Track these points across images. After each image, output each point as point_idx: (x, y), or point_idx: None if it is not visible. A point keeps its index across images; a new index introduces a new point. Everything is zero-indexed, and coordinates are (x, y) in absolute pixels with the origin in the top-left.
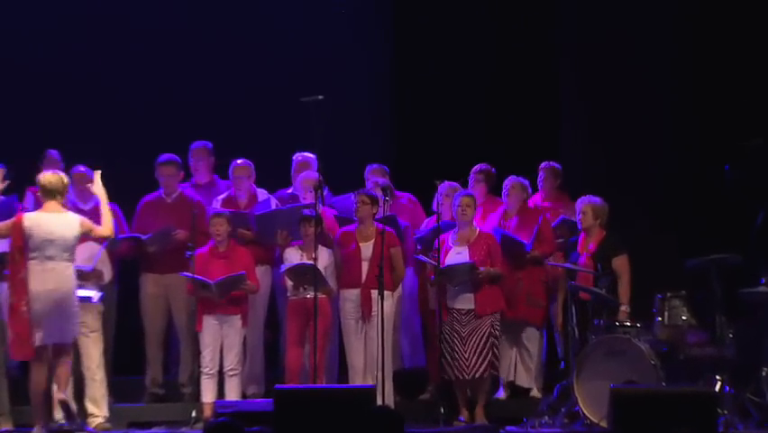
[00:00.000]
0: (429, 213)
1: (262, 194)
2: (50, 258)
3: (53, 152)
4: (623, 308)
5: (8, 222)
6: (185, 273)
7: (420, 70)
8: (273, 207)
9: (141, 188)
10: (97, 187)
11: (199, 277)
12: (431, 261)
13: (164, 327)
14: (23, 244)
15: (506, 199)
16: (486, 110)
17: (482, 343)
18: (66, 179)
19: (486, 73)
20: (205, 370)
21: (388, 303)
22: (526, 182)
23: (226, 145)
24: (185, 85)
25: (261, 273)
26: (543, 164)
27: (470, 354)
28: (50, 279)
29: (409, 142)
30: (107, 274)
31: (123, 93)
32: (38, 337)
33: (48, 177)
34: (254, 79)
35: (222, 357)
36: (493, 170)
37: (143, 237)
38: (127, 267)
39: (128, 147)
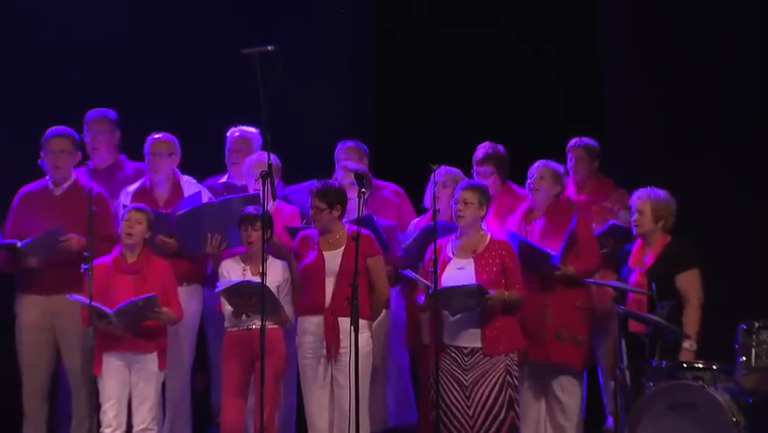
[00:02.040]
0: (421, 210)
1: (189, 183)
2: None
3: None
4: (688, 343)
5: None
6: (75, 296)
7: (409, 10)
8: (204, 201)
9: (18, 175)
10: None
11: (97, 304)
12: (423, 279)
13: (49, 371)
14: None
15: (530, 193)
16: (496, 71)
17: (493, 395)
18: None
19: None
20: (107, 431)
21: (365, 336)
22: (561, 169)
23: (138, 117)
24: (84, 25)
25: (187, 295)
26: (572, 142)
27: (475, 410)
28: None
29: (396, 113)
30: None
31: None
32: None
33: None
34: (177, 25)
35: (130, 413)
36: (502, 149)
37: (20, 244)
38: None
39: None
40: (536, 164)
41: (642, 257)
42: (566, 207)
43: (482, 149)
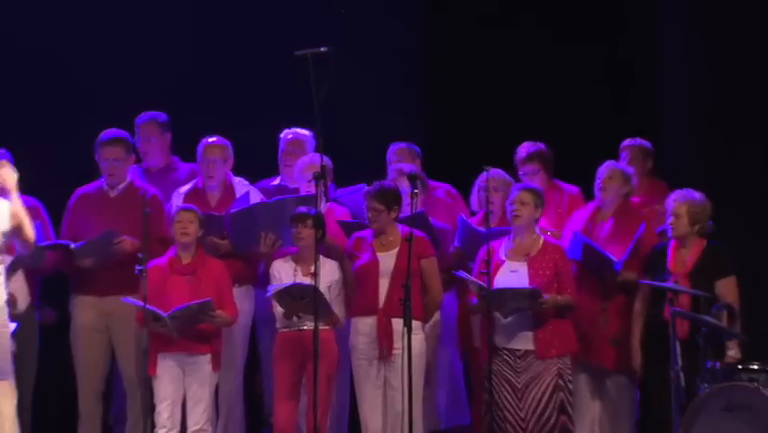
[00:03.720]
0: (474, 211)
1: (241, 185)
2: None
3: None
4: (733, 351)
5: None
6: (128, 299)
7: (464, 9)
8: (253, 201)
9: (73, 176)
10: (6, 174)
11: (151, 307)
12: (477, 280)
13: (104, 372)
14: None
15: (598, 193)
16: (550, 70)
17: (545, 398)
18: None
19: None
20: (162, 432)
21: (418, 338)
22: (630, 171)
23: (192, 118)
24: (138, 27)
25: (239, 296)
26: (626, 142)
27: (527, 413)
28: None
29: (449, 114)
30: (22, 299)
31: (46, 48)
32: None
33: None
34: (229, 27)
35: (185, 414)
36: (543, 146)
37: (74, 246)
38: (53, 287)
39: (56, 120)
40: (605, 164)
41: (680, 261)
42: (635, 211)
43: (524, 148)
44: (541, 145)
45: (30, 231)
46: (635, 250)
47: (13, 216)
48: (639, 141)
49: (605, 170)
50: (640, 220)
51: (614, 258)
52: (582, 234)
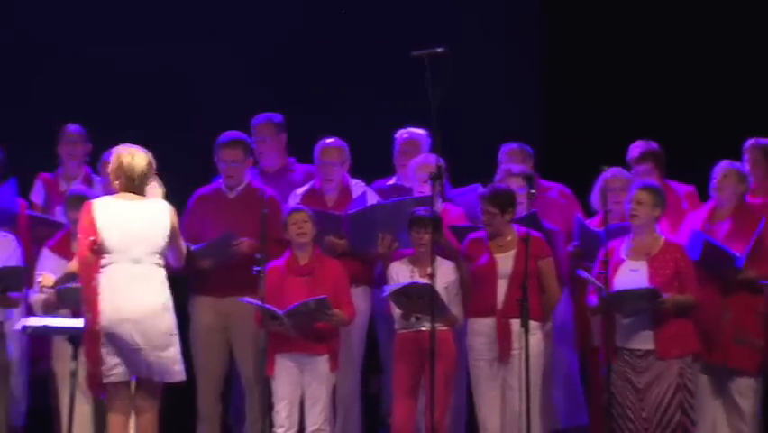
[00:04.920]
0: (589, 212)
1: (358, 186)
2: (136, 261)
3: (74, 128)
4: None
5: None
6: (245, 299)
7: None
8: (370, 202)
9: (189, 177)
10: (154, 191)
11: (267, 305)
12: (596, 280)
13: (223, 372)
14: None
15: (714, 193)
16: (665, 70)
17: (667, 398)
18: (153, 160)
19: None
20: (280, 431)
21: (536, 338)
22: (745, 169)
23: (308, 118)
24: (255, 29)
25: (356, 297)
26: (748, 142)
27: (649, 412)
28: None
29: (563, 113)
30: None
31: (154, 51)
32: (113, 370)
33: (132, 160)
34: (346, 28)
35: (303, 414)
36: (656, 145)
37: (194, 247)
38: (172, 289)
39: (173, 123)
40: (720, 164)
41: None
42: (753, 210)
43: (637, 147)
44: (653, 144)
45: (182, 244)
46: (757, 247)
47: (174, 216)
48: (762, 141)
49: (720, 169)
50: (759, 218)
51: (736, 253)
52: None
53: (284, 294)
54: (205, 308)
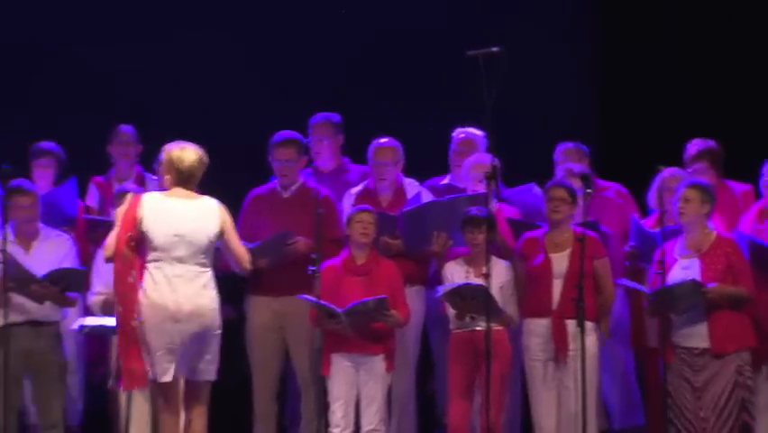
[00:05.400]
0: (646, 212)
1: (412, 186)
2: (180, 261)
3: (127, 129)
4: None
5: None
6: (304, 296)
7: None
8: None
9: (250, 178)
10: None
11: (326, 303)
12: (637, 285)
13: (279, 372)
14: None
15: (765, 190)
16: (723, 68)
17: (725, 396)
18: (205, 157)
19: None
20: (336, 431)
21: (592, 339)
22: None
23: (356, 119)
24: (309, 29)
25: (410, 297)
26: None
27: (707, 411)
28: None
29: (619, 112)
30: None
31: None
32: (159, 370)
33: (181, 153)
34: (401, 27)
35: (358, 414)
36: (714, 144)
37: (250, 246)
38: (227, 287)
39: (228, 120)
40: None
41: None
42: None
43: (694, 145)
44: (711, 143)
45: (240, 246)
46: None
47: (224, 214)
48: None
49: None
50: None
51: None
52: (749, 233)
53: (340, 293)
54: (260, 307)
